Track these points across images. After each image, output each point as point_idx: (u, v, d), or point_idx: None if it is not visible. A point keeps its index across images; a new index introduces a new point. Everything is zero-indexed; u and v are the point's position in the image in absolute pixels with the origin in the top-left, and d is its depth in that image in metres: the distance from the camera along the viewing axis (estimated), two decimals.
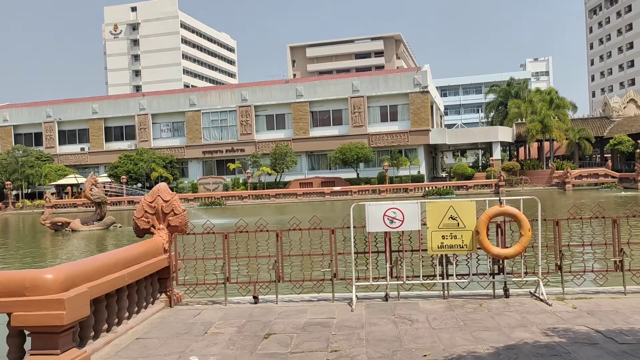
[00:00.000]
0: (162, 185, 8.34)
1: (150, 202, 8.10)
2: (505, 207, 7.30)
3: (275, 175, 56.20)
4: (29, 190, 61.72)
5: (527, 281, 7.69)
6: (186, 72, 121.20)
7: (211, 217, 27.90)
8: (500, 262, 7.55)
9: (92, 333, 6.00)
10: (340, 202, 45.04)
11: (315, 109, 59.00)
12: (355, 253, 7.64)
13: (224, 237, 7.77)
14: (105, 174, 58.73)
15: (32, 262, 17.05)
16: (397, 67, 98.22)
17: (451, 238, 7.43)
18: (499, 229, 7.70)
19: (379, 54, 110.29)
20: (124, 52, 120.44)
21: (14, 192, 59.47)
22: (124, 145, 62.61)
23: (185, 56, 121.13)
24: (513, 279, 7.66)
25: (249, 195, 51.72)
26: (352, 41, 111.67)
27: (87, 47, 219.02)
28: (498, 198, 7.46)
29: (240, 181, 57.08)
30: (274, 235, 7.77)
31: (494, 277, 7.58)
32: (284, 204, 48.18)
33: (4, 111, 67.28)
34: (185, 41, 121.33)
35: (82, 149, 64.20)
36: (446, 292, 7.59)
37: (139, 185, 57.70)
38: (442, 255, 7.57)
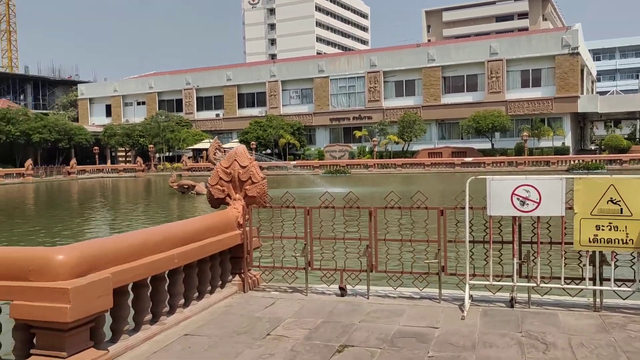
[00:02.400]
0: (240, 148, 7.07)
1: (226, 168, 6.88)
2: None
3: (402, 144, 54.13)
4: (170, 154, 65.68)
5: None
6: (319, 39, 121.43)
7: (330, 186, 26.92)
8: None
9: (131, 325, 4.91)
10: (471, 175, 41.92)
11: (447, 74, 55.48)
12: (471, 242, 5.83)
13: (306, 212, 6.33)
14: (237, 140, 60.51)
15: (137, 225, 17.10)
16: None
17: (610, 229, 5.32)
18: None
19: (522, 15, 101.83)
20: (260, 22, 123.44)
21: (157, 155, 63.61)
22: (255, 111, 63.97)
23: (318, 24, 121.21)
24: None
25: (374, 164, 50.35)
26: (493, 2, 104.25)
27: (229, 18, 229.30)
28: None
29: (367, 149, 55.80)
30: (367, 213, 6.18)
31: None
32: (410, 174, 46.12)
33: (150, 79, 71.99)
34: (318, 8, 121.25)
35: (217, 115, 66.76)
36: (598, 301, 5.53)
37: (268, 151, 58.70)
38: (594, 252, 5.50)
